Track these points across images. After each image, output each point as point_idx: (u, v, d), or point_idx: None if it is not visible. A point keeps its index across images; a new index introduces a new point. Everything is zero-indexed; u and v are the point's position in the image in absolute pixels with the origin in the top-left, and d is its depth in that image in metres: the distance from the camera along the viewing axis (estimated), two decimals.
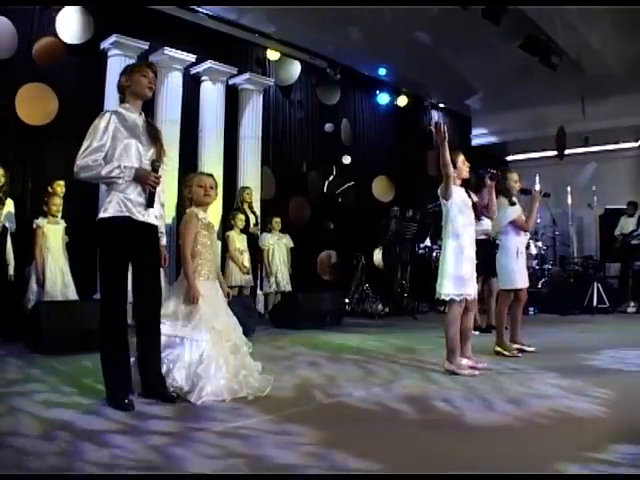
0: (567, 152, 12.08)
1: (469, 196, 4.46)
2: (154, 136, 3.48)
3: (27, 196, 7.11)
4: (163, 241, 3.58)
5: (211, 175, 4.00)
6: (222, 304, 3.71)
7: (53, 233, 6.28)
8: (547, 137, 12.31)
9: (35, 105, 7.09)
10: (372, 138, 12.04)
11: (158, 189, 3.37)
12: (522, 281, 5.21)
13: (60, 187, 6.54)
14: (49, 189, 6.51)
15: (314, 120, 11.03)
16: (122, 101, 3.47)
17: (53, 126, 7.24)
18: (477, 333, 6.74)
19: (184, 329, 3.49)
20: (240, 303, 6.66)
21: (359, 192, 11.15)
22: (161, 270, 3.54)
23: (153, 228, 3.44)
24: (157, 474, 2.14)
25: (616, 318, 8.44)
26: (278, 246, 8.37)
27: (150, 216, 3.38)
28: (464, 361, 4.30)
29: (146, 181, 3.30)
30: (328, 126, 11.13)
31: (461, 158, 4.45)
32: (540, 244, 11.26)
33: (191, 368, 3.36)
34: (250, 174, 9.49)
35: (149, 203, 3.32)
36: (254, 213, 8.58)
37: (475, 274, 4.36)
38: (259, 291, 8.61)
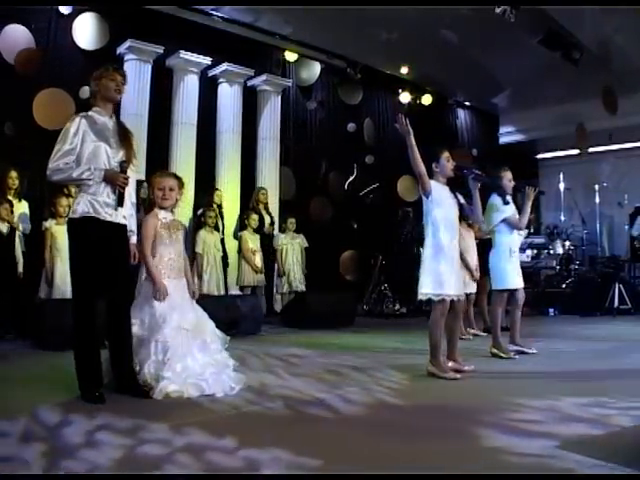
0: (595, 150, 11.77)
1: (455, 196, 4.38)
2: (124, 138, 3.59)
3: (45, 199, 7.33)
4: (133, 239, 3.68)
5: (173, 174, 4.04)
6: (188, 302, 3.77)
7: (62, 234, 6.43)
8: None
9: (52, 110, 7.32)
10: (396, 137, 11.89)
11: (128, 189, 3.49)
12: (514, 281, 5.09)
13: (74, 188, 6.71)
14: (64, 190, 6.66)
15: (336, 120, 11.03)
16: (93, 105, 3.58)
17: None
18: (485, 334, 6.68)
19: (150, 330, 3.57)
20: (246, 302, 6.77)
21: (383, 192, 11.10)
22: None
23: (121, 228, 3.56)
24: (157, 474, 2.18)
25: (636, 320, 8.17)
26: (292, 246, 8.41)
27: (119, 216, 3.51)
28: (450, 364, 4.27)
29: (115, 182, 3.42)
30: (351, 126, 11.14)
31: (445, 155, 4.37)
32: (567, 244, 11.05)
33: (155, 369, 3.46)
34: (268, 175, 9.58)
35: (119, 203, 3.45)
36: (269, 214, 8.67)
37: (462, 275, 4.29)
38: (275, 291, 8.69)
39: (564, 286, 9.99)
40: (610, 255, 10.90)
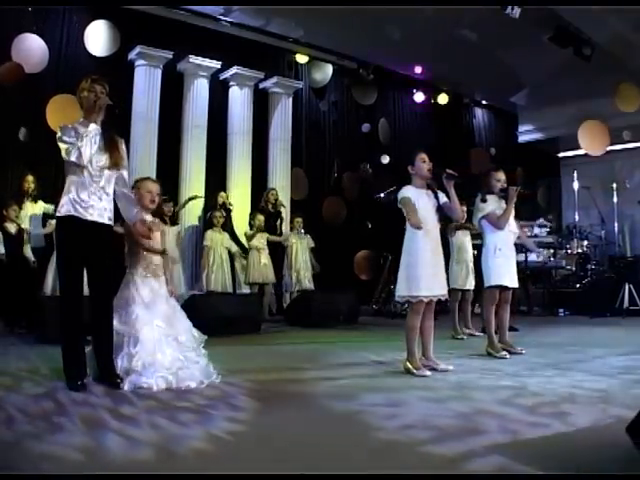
0: (613, 148, 11.57)
1: (436, 197, 4.40)
2: (110, 143, 3.75)
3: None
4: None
5: (157, 181, 4.25)
6: (163, 299, 3.92)
7: None
8: None
9: (65, 115, 7.58)
10: (412, 137, 11.96)
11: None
12: (500, 279, 5.07)
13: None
14: None
15: (350, 121, 11.13)
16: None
17: None
18: (481, 334, 6.68)
19: (125, 325, 3.75)
20: (244, 301, 6.92)
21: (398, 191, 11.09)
22: None
23: (104, 227, 3.71)
24: (157, 474, 2.24)
25: None
26: (301, 245, 8.56)
27: (102, 216, 3.67)
28: (423, 361, 4.33)
29: None
30: (365, 126, 11.20)
31: (420, 156, 4.38)
32: (585, 243, 10.91)
33: (127, 361, 3.63)
34: (280, 175, 9.75)
35: None
36: (279, 212, 8.87)
37: (438, 277, 4.31)
38: (284, 290, 8.84)
39: (578, 286, 9.88)
40: (622, 255, 10.70)
